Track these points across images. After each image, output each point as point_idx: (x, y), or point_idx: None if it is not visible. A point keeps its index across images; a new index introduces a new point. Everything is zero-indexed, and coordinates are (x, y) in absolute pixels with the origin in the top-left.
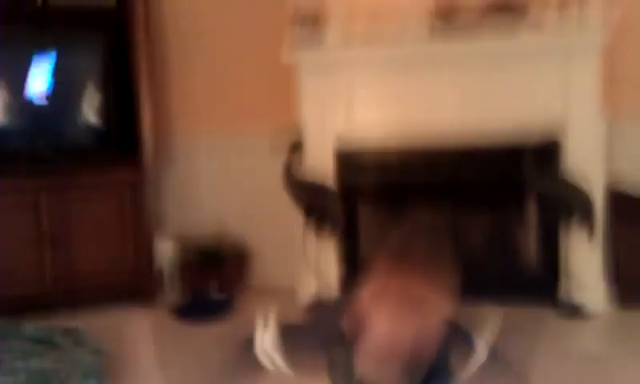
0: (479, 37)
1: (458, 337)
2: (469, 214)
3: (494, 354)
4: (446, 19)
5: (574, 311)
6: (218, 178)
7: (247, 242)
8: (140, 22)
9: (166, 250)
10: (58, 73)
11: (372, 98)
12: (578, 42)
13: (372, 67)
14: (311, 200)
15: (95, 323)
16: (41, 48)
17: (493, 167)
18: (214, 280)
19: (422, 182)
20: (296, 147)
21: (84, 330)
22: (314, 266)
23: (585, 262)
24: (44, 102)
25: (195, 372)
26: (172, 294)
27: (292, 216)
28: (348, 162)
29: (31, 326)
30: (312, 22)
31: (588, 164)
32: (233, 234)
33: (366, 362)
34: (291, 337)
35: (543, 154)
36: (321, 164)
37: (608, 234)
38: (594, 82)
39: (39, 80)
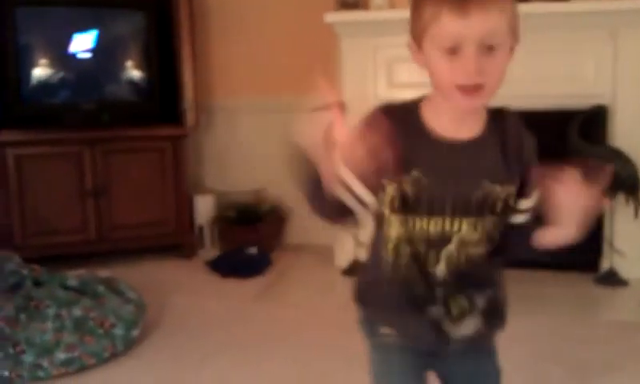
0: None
1: None
2: None
3: None
4: None
5: (615, 280)
6: (256, 138)
7: (284, 201)
8: None
9: (205, 207)
10: (103, 28)
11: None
12: (631, 7)
13: None
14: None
15: (136, 275)
16: (89, 5)
17: (539, 133)
18: (252, 237)
19: None
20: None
21: (125, 281)
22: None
23: (627, 232)
24: (89, 57)
25: (225, 323)
26: (211, 249)
27: None
28: None
29: (74, 276)
30: None
31: (636, 135)
32: (270, 193)
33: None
34: None
35: (591, 123)
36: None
37: None
38: None
39: (85, 35)
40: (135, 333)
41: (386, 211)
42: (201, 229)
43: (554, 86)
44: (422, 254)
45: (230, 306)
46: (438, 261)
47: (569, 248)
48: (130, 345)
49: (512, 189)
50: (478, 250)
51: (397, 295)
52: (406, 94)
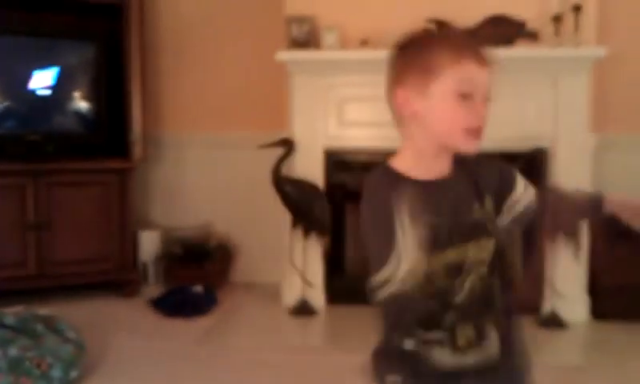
0: None
1: None
2: None
3: None
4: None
5: (555, 322)
6: (205, 174)
7: (232, 237)
8: (135, 17)
9: (150, 243)
10: (51, 59)
11: (364, 100)
12: (572, 55)
13: (366, 70)
14: (300, 202)
15: (77, 313)
16: (38, 35)
17: None
18: (198, 274)
19: None
20: (286, 147)
21: (65, 320)
22: (299, 267)
23: (567, 274)
24: (36, 88)
25: (168, 365)
26: (155, 287)
27: (278, 215)
28: (337, 161)
29: (11, 313)
30: (307, 24)
31: (575, 179)
32: (218, 230)
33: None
34: None
35: (531, 166)
36: (310, 165)
37: (589, 247)
38: (585, 98)
39: (32, 66)
40: (74, 374)
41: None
42: (145, 265)
43: (497, 128)
44: (442, 287)
45: (173, 347)
46: (460, 288)
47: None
48: None
49: (491, 212)
50: (489, 274)
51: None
52: (355, 133)
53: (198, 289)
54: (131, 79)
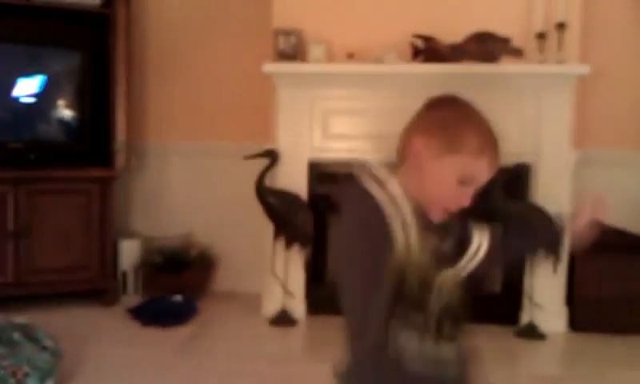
0: (459, 61)
1: None
2: None
3: None
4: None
5: (534, 333)
6: (188, 183)
7: (212, 247)
8: (121, 26)
9: (130, 251)
10: (36, 67)
11: (349, 114)
12: (555, 72)
13: (351, 83)
14: (282, 213)
15: (55, 321)
16: (23, 42)
17: None
18: (178, 284)
19: None
20: (270, 158)
21: (43, 329)
22: (280, 277)
23: (547, 287)
24: (20, 95)
25: (147, 375)
26: (134, 296)
27: (259, 225)
28: (321, 173)
29: None
30: (294, 37)
31: (557, 194)
32: (200, 240)
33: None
34: None
35: (514, 180)
36: (294, 176)
37: (568, 259)
38: (568, 114)
39: (17, 73)
40: (50, 383)
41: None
42: (124, 274)
43: None
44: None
45: (151, 357)
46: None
47: (491, 300)
48: None
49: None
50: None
51: None
52: (339, 145)
53: (178, 298)
54: (116, 88)
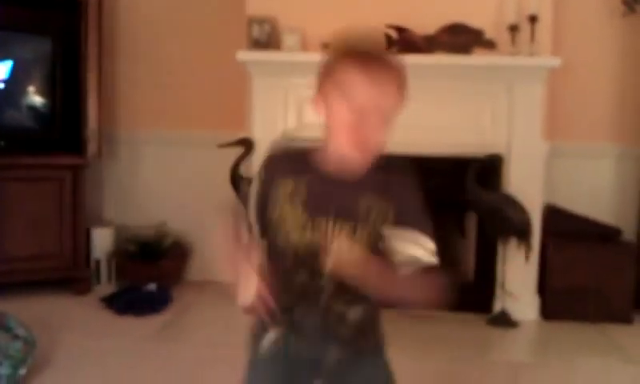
0: (432, 52)
1: None
2: None
3: None
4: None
5: (507, 321)
6: (162, 172)
7: (186, 236)
8: (92, 13)
9: (103, 240)
10: (6, 53)
11: None
12: (527, 64)
13: None
14: None
15: (27, 310)
16: None
17: (437, 178)
18: (152, 273)
19: None
20: (245, 146)
21: (15, 317)
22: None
23: (519, 275)
24: None
25: (119, 363)
26: (107, 284)
27: None
28: None
29: None
30: (268, 25)
31: (528, 184)
32: (173, 228)
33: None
34: None
35: (487, 170)
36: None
37: (539, 248)
38: (539, 106)
39: None
40: (22, 372)
41: (282, 220)
42: (97, 263)
43: (454, 134)
44: (310, 259)
45: (125, 346)
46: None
47: (463, 289)
48: None
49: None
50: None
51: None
52: (314, 134)
53: (152, 287)
54: (87, 75)
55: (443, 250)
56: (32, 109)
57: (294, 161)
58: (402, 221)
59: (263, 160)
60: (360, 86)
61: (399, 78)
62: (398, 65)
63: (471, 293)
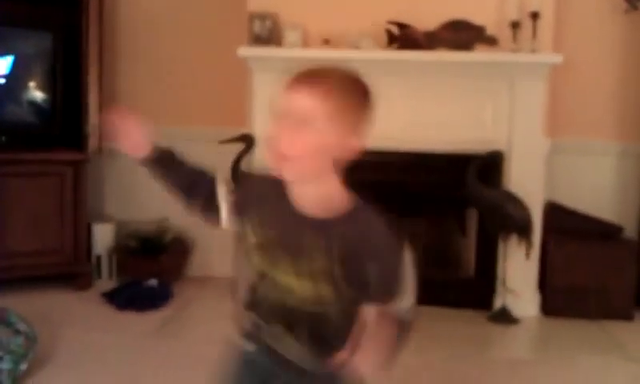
0: (434, 48)
1: None
2: (412, 219)
3: None
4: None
5: (507, 318)
6: None
7: (188, 231)
8: (93, 8)
9: (104, 235)
10: (7, 48)
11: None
12: (529, 61)
13: None
14: None
15: (28, 305)
16: None
17: (439, 175)
18: (153, 268)
19: (367, 183)
20: (246, 142)
21: (16, 312)
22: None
23: (519, 272)
24: None
25: (120, 358)
26: (108, 280)
27: None
28: None
29: None
30: (270, 21)
31: (529, 181)
32: (174, 224)
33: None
34: None
35: (488, 167)
36: (269, 160)
37: (540, 245)
38: (540, 103)
39: None
40: (23, 367)
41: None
42: (98, 258)
43: (455, 131)
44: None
45: (126, 341)
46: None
47: (464, 285)
48: (17, 380)
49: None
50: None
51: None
52: None
53: (153, 282)
54: (88, 70)
55: (444, 248)
56: (33, 104)
57: (269, 185)
58: (366, 281)
59: (242, 176)
60: (280, 95)
61: (327, 87)
62: (337, 77)
63: (472, 289)
